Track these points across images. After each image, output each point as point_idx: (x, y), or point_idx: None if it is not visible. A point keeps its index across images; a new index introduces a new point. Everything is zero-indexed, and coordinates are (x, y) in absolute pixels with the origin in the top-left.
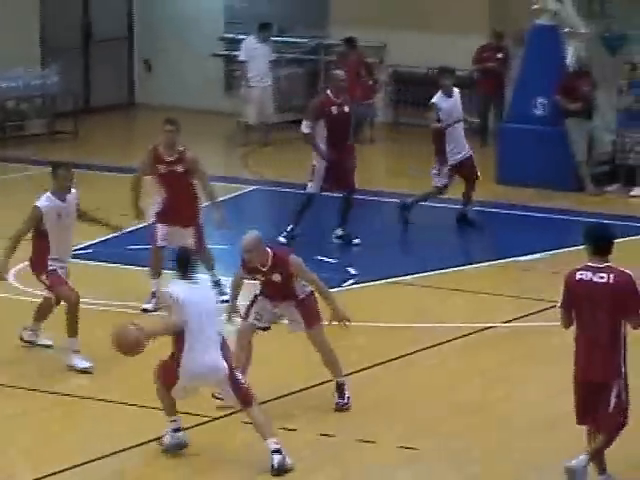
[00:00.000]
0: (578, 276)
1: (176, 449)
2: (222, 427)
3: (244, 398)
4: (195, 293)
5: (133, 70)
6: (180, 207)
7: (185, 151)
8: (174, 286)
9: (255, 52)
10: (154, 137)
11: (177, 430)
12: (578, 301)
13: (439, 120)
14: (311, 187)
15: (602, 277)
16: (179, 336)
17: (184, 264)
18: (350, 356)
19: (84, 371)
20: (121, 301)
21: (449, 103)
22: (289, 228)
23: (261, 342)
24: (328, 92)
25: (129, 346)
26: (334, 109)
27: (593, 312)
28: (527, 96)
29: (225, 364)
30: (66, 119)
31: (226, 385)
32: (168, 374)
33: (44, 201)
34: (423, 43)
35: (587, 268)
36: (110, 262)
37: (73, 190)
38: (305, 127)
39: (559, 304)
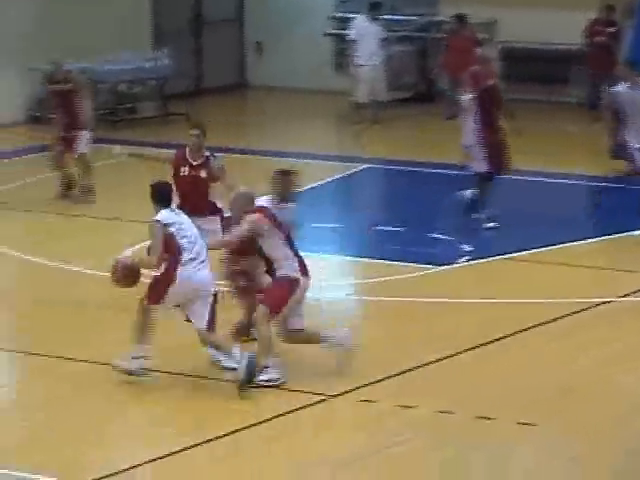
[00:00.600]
0: None
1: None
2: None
3: (211, 323)
4: (182, 217)
5: (244, 51)
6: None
7: (211, 158)
8: (160, 215)
9: (365, 31)
10: (265, 118)
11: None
12: None
13: None
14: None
15: None
16: (172, 256)
17: (164, 197)
18: (466, 333)
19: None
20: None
21: None
22: (482, 216)
23: (367, 325)
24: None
25: (124, 274)
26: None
27: None
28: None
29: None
30: (178, 101)
31: (205, 303)
32: (157, 293)
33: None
34: (533, 19)
35: None
36: None
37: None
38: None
39: None
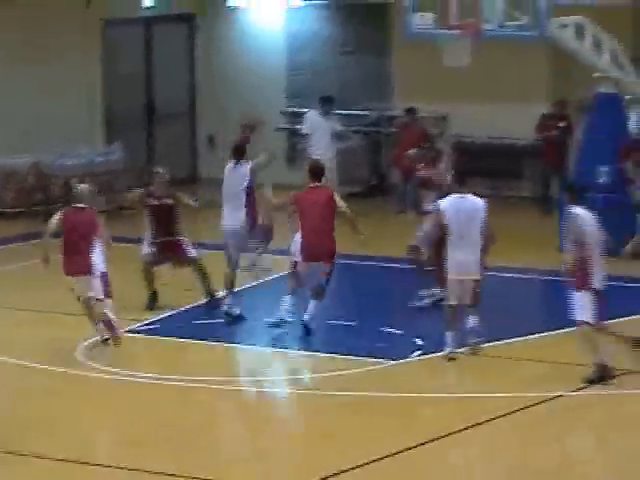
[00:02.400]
0: None
1: None
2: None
3: None
4: None
5: (196, 145)
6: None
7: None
8: None
9: (317, 125)
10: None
11: None
12: None
13: None
14: None
15: None
16: None
17: None
18: (420, 427)
19: None
20: (191, 376)
21: None
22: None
23: (320, 419)
24: None
25: None
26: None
27: None
28: (590, 165)
29: None
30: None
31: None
32: None
33: None
34: (485, 113)
35: None
36: (177, 337)
37: None
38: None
39: None
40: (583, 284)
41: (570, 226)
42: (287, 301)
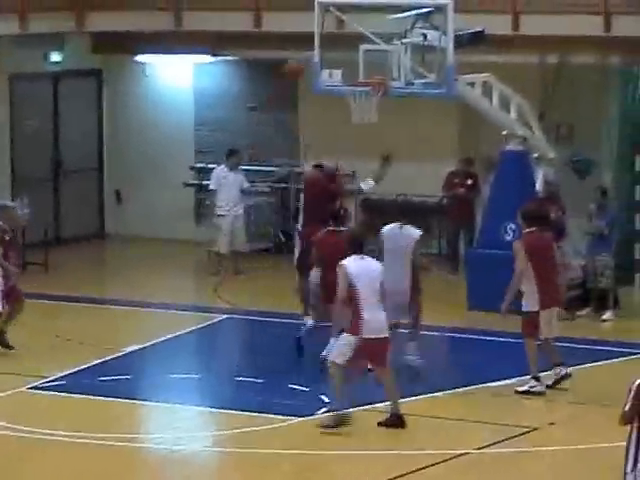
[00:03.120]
0: None
1: None
2: None
3: None
4: None
5: (103, 201)
6: None
7: None
8: None
9: (225, 181)
10: (124, 268)
11: None
12: None
13: None
14: None
15: None
16: None
17: None
18: None
19: None
20: (98, 433)
21: None
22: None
23: (228, 477)
24: None
25: None
26: None
27: None
28: (497, 222)
29: None
30: (36, 250)
31: None
32: None
33: None
34: (392, 171)
35: None
36: (83, 393)
37: None
38: None
39: (627, 409)
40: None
41: None
42: None
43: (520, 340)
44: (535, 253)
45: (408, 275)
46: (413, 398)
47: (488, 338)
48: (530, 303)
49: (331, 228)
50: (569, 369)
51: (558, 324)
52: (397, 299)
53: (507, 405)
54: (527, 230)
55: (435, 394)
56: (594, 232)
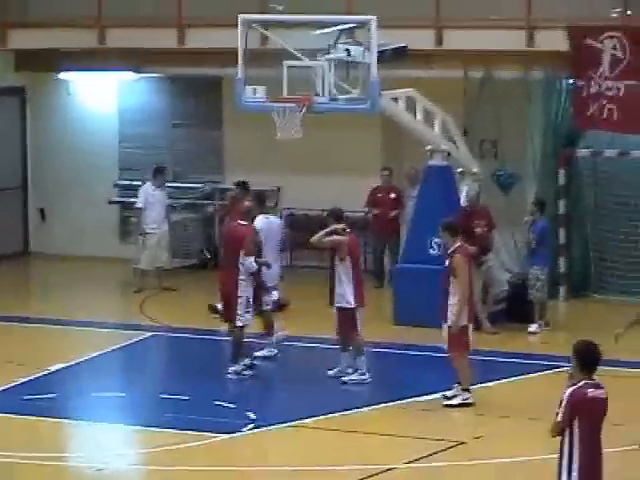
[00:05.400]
0: (590, 394)
1: None
2: None
3: None
4: None
5: (27, 219)
6: None
7: None
8: None
9: (152, 198)
10: (48, 286)
11: None
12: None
13: None
14: None
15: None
16: None
17: None
18: None
19: None
20: (23, 452)
21: None
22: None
23: None
24: None
25: None
26: None
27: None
28: (422, 236)
29: None
30: None
31: None
32: None
33: None
34: (316, 186)
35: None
36: (8, 412)
37: None
38: None
39: (560, 419)
40: None
41: None
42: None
43: (446, 355)
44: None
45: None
46: (340, 413)
47: (415, 353)
48: (462, 317)
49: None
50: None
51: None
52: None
53: (435, 419)
54: (458, 244)
55: (362, 409)
56: (526, 244)
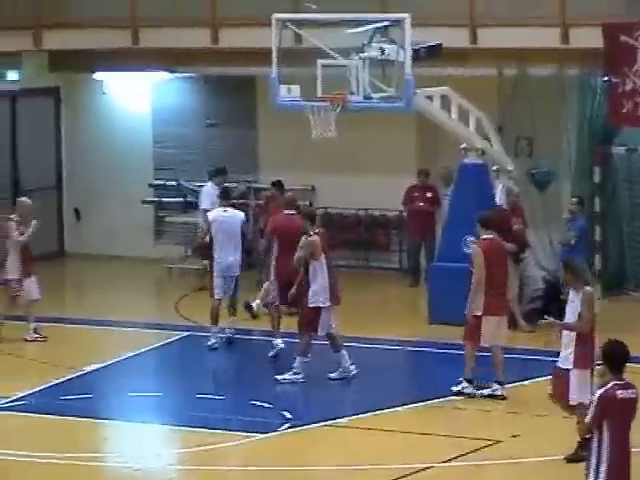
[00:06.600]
0: (620, 395)
1: None
2: None
3: None
4: None
5: (63, 219)
6: None
7: None
8: None
9: (215, 199)
10: (84, 286)
11: None
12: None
13: None
14: None
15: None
16: None
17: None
18: None
19: None
20: (61, 452)
21: None
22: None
23: None
24: None
25: None
26: None
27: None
28: (456, 234)
29: None
30: None
31: None
32: None
33: None
34: (352, 185)
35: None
36: (45, 413)
37: None
38: None
39: (589, 420)
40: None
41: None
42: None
43: (483, 353)
44: (489, 259)
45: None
46: (376, 412)
47: (450, 351)
48: (475, 307)
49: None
50: (504, 391)
51: (506, 334)
52: None
53: (470, 418)
54: (487, 236)
55: (397, 408)
56: (564, 242)
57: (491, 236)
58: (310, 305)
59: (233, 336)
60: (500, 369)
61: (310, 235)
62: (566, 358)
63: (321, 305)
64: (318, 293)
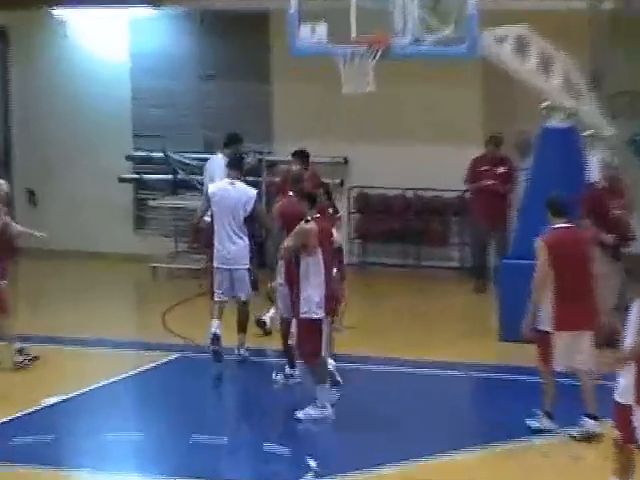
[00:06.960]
0: None
1: None
2: None
3: None
4: None
5: (12, 204)
6: None
7: None
8: None
9: (222, 172)
10: (42, 293)
11: None
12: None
13: None
14: None
15: None
16: None
17: None
18: None
19: None
20: None
21: None
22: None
23: None
24: None
25: None
26: None
27: None
28: (537, 223)
29: None
30: None
31: None
32: None
33: None
34: (397, 157)
35: None
36: None
37: None
38: None
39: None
40: None
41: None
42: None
43: (571, 380)
44: (559, 256)
45: None
46: (427, 459)
47: (527, 378)
48: (539, 319)
49: None
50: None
51: (588, 354)
52: None
53: (556, 466)
54: (559, 225)
55: (457, 453)
56: None
57: (565, 225)
58: (302, 316)
59: (246, 357)
60: (590, 399)
61: (307, 220)
62: (627, 389)
63: (314, 316)
64: (311, 300)
